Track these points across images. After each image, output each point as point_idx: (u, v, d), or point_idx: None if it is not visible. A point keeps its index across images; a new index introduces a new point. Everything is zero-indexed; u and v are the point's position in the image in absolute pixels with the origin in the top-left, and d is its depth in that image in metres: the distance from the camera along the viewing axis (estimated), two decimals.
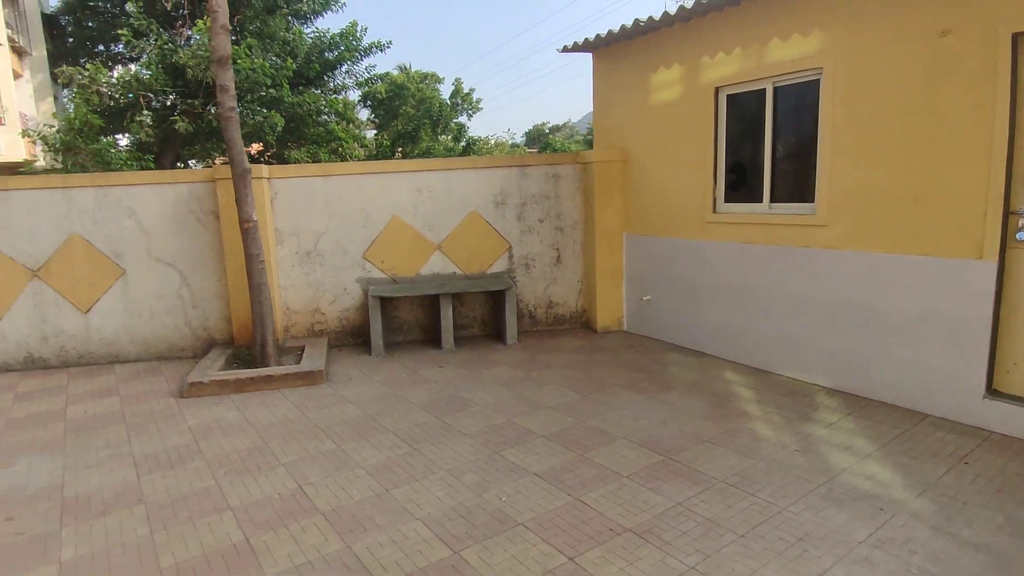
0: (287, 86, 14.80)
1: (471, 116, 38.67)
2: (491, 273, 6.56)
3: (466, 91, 37.11)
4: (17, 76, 18.62)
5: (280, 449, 3.95)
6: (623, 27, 5.75)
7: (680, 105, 5.68)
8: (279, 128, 13.80)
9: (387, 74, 32.38)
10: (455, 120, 34.09)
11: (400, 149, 29.56)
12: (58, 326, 5.75)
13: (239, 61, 15.87)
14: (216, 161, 19.85)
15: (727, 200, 5.45)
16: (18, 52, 19.22)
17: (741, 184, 5.37)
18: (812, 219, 4.66)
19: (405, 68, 36.59)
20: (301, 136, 16.58)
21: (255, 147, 19.64)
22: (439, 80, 37.49)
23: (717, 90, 5.35)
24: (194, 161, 19.36)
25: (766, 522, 2.92)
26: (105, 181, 5.69)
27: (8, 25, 18.12)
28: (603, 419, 4.26)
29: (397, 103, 32.07)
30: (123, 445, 4.09)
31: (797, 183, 4.95)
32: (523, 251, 6.60)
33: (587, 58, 6.79)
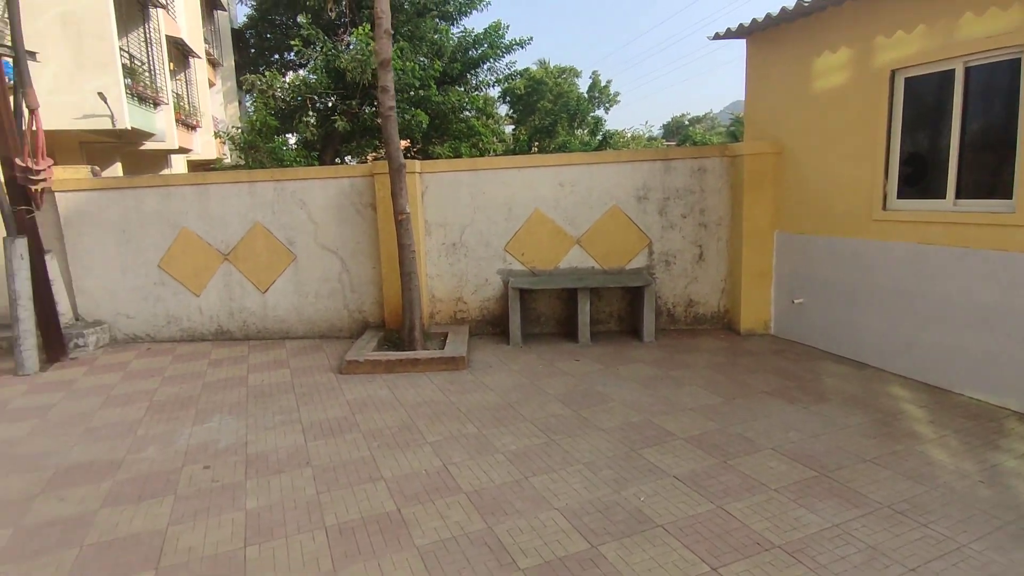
0: (434, 86, 15.53)
1: (608, 109, 38.02)
2: (630, 269, 6.46)
3: (603, 84, 36.59)
4: (211, 85, 21.32)
5: (426, 428, 4.20)
6: (783, 10, 5.37)
7: (846, 91, 5.19)
8: (424, 125, 14.54)
9: (526, 70, 32.85)
10: (592, 114, 33.82)
11: (537, 144, 29.96)
12: (242, 303, 6.56)
13: (392, 63, 16.90)
14: (369, 157, 21.44)
15: (900, 196, 4.90)
16: (212, 64, 22.01)
17: (918, 178, 4.81)
18: (1009, 218, 4.06)
19: (544, 63, 36.85)
20: (444, 132, 17.38)
21: (403, 143, 20.91)
22: (577, 74, 37.33)
23: (893, 73, 4.82)
24: (349, 157, 21.05)
25: (941, 558, 2.61)
26: (282, 176, 6.38)
27: (206, 40, 20.78)
28: (748, 426, 4.05)
29: (535, 98, 32.44)
30: (293, 412, 4.58)
31: (990, 177, 4.33)
32: (664, 247, 6.42)
33: (735, 46, 6.43)
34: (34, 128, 5.51)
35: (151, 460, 3.85)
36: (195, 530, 3.05)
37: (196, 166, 19.95)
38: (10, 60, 5.57)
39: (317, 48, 18.12)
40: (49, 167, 5.70)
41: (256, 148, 14.61)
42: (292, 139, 19.89)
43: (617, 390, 4.82)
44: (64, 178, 6.24)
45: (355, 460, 3.76)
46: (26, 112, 5.54)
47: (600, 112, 35.57)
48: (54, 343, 5.87)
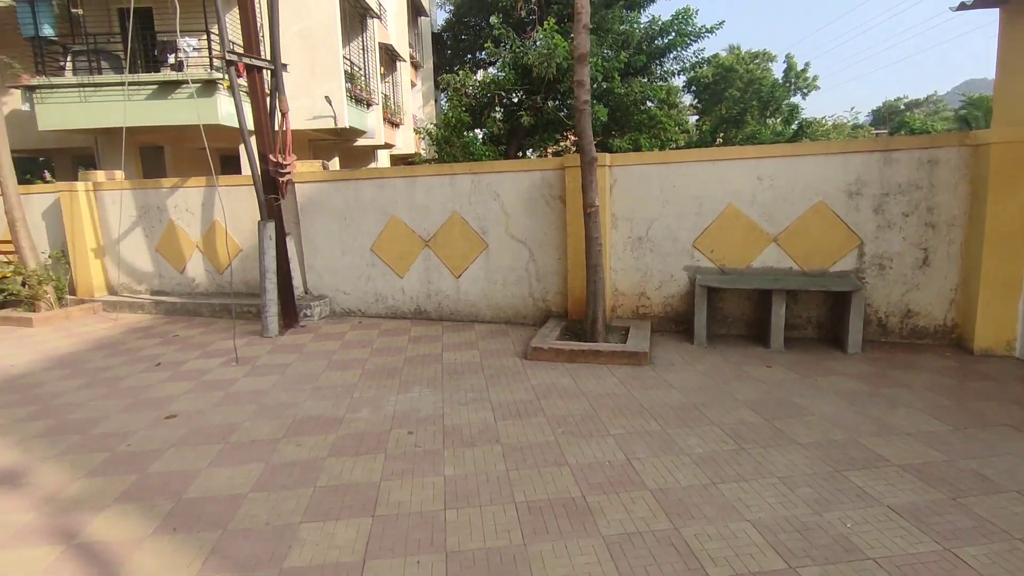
0: (618, 78, 15.38)
1: (806, 95, 34.67)
2: (834, 271, 5.87)
3: (799, 68, 33.43)
4: (412, 85, 23.31)
5: (609, 420, 4.23)
6: None
7: None
8: (603, 119, 14.50)
9: (715, 56, 31.14)
10: (787, 101, 31.07)
11: (721, 135, 28.32)
12: (438, 287, 7.14)
13: None
14: (548, 151, 21.95)
15: None
16: (414, 66, 24.04)
17: None
18: None
19: (735, 49, 34.62)
20: (624, 124, 17.18)
21: None
22: (771, 58, 34.53)
23: None
24: (530, 151, 21.73)
25: None
26: (479, 169, 6.80)
27: (410, 45, 22.73)
28: (985, 462, 3.48)
29: (723, 86, 30.63)
30: (482, 391, 4.89)
31: None
32: (878, 249, 5.73)
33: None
34: (284, 129, 6.51)
35: (365, 420, 4.37)
36: (402, 487, 3.41)
37: (397, 160, 22.03)
38: (242, 70, 6.54)
39: (506, 46, 18.91)
40: (293, 162, 6.69)
41: (450, 143, 15.69)
42: (479, 134, 21.03)
43: (816, 403, 4.43)
44: (302, 171, 7.28)
45: (540, 443, 3.92)
46: (278, 115, 6.56)
47: (797, 98, 32.52)
48: (289, 312, 6.91)
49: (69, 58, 11.84)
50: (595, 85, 16.60)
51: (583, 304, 6.22)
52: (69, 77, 11.39)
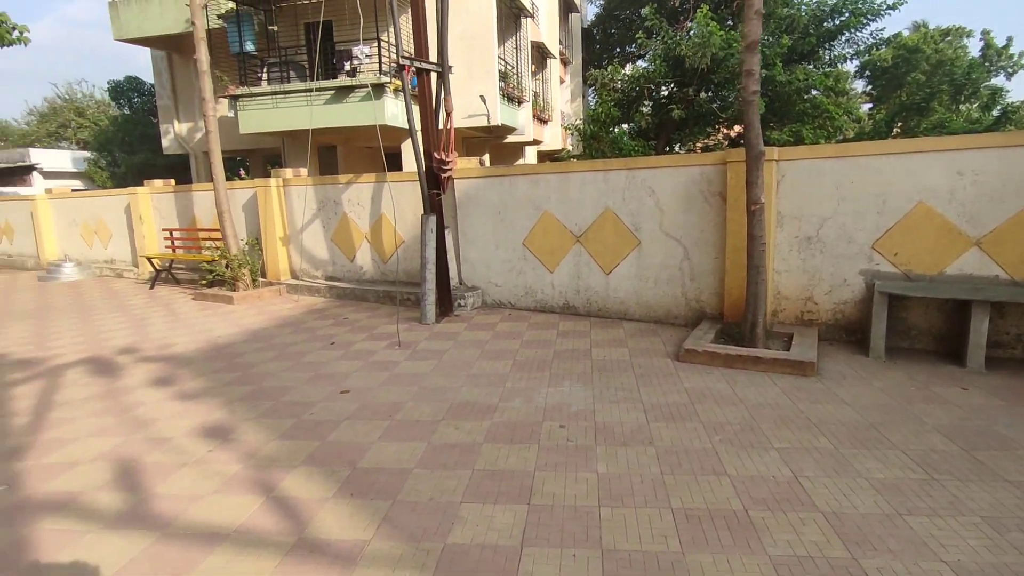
0: (779, 65, 14.34)
1: (1011, 76, 30.08)
2: None
3: (1000, 45, 29.03)
4: (561, 82, 23.48)
5: (771, 432, 3.97)
6: None
7: None
8: (761, 110, 13.63)
9: (896, 36, 27.91)
10: (986, 83, 27.09)
11: (899, 124, 25.26)
12: (587, 282, 7.14)
13: (734, 45, 16.17)
14: (698, 146, 21.02)
15: None
16: (563, 62, 24.18)
17: None
18: None
19: (921, 26, 30.86)
20: (784, 115, 15.94)
21: (736, 129, 19.92)
22: (965, 34, 30.27)
23: None
24: (678, 145, 20.97)
25: None
26: (635, 164, 6.68)
27: (560, 41, 22.90)
28: None
29: (904, 70, 27.39)
30: (633, 391, 4.81)
31: None
32: None
33: None
34: (448, 127, 6.88)
35: (517, 410, 4.50)
36: (556, 480, 3.46)
37: (543, 156, 22.35)
38: (413, 73, 6.93)
39: (658, 37, 18.41)
40: (455, 159, 7.05)
41: (598, 138, 15.61)
42: (626, 128, 20.66)
43: None
44: (461, 167, 7.64)
45: (696, 449, 3.77)
46: (443, 114, 6.94)
47: (1000, 80, 28.16)
48: (445, 301, 7.30)
49: (264, 70, 13.46)
50: None
51: (741, 306, 5.88)
52: (264, 86, 12.94)
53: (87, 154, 27.54)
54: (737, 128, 20.08)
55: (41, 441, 4.27)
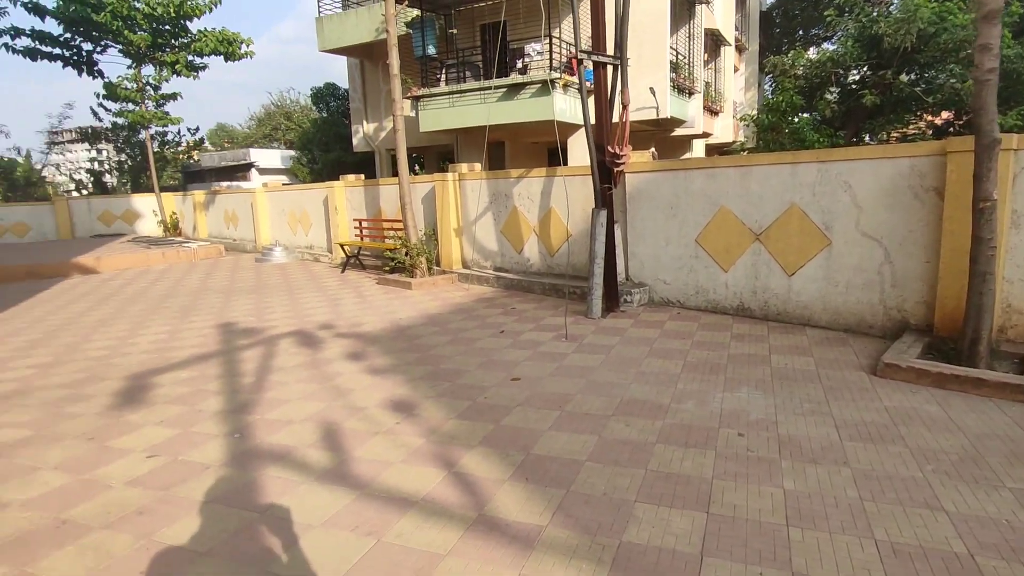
0: (1008, 36, 12.22)
1: None
2: None
3: None
4: (735, 70, 22.09)
5: (1002, 469, 3.40)
6: None
7: None
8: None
9: None
10: None
11: None
12: (766, 284, 6.66)
13: (949, 17, 14.02)
14: (893, 136, 18.59)
15: None
16: (739, 49, 22.73)
17: None
18: None
19: None
20: (1012, 95, 13.49)
21: (943, 115, 17.31)
22: None
23: None
24: (868, 136, 18.70)
25: None
26: (828, 157, 6.07)
27: (736, 28, 21.55)
28: None
29: None
30: (822, 404, 4.40)
31: None
32: None
33: None
34: (624, 120, 6.79)
35: (690, 413, 4.33)
36: (737, 491, 3.27)
37: (712, 149, 21.24)
38: (590, 66, 6.89)
39: (851, 14, 16.58)
40: (629, 153, 6.94)
41: (776, 129, 14.48)
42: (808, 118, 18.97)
43: None
44: (633, 161, 7.50)
45: (903, 477, 3.35)
46: (617, 107, 6.86)
47: None
48: (611, 296, 7.24)
49: (443, 71, 14.34)
50: (964, 53, 13.39)
51: (957, 319, 5.11)
52: (442, 87, 13.79)
53: (292, 152, 31.66)
54: (945, 115, 17.44)
55: (263, 399, 4.96)
